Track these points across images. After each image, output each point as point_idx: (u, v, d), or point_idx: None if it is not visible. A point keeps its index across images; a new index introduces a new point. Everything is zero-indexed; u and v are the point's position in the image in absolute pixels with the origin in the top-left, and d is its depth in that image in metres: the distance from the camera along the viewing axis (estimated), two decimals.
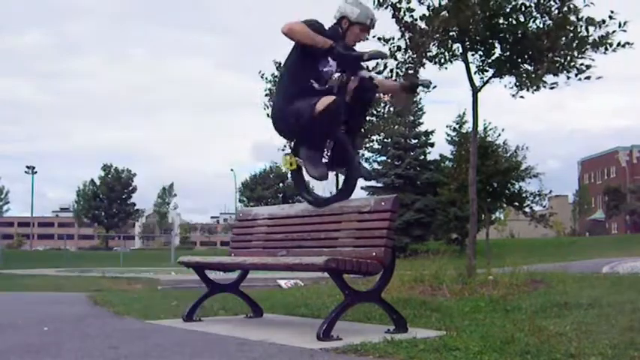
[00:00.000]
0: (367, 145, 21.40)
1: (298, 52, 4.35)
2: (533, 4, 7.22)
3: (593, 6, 7.08)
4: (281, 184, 65.14)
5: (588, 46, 7.19)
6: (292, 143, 4.93)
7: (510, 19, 7.26)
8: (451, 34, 7.40)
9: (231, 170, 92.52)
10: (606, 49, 7.14)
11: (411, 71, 7.61)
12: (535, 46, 7.27)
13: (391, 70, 7.79)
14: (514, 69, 7.53)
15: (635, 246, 32.57)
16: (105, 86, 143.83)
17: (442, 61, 7.71)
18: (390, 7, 7.43)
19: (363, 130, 4.82)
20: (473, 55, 7.70)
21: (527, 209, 27.50)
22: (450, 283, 6.45)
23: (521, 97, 7.74)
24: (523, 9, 7.21)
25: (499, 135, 26.27)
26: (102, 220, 75.95)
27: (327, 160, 4.47)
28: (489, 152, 24.71)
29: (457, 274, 6.94)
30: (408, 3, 7.44)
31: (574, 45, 7.22)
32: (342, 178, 4.91)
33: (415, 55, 7.55)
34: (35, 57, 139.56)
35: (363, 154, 21.10)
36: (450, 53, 7.70)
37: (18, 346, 3.63)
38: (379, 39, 7.56)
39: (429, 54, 7.68)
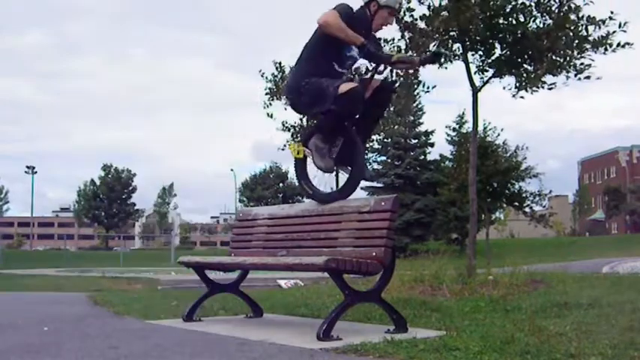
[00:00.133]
0: (367, 145, 21.38)
1: (324, 35, 4.32)
2: (533, 4, 7.23)
3: (593, 5, 7.09)
4: (281, 184, 65.13)
5: (588, 46, 7.19)
6: (300, 136, 4.95)
7: (510, 19, 7.26)
8: (451, 34, 7.40)
9: (231, 170, 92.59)
10: (606, 49, 7.14)
11: (411, 71, 7.61)
12: (535, 46, 7.27)
13: (391, 70, 7.79)
14: (514, 69, 7.53)
15: (635, 246, 32.57)
16: (105, 86, 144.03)
17: (442, 61, 7.72)
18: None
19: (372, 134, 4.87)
20: (473, 55, 7.71)
21: (527, 209, 27.52)
22: (450, 283, 6.45)
23: (521, 97, 7.75)
24: (523, 8, 7.21)
25: (499, 135, 26.31)
26: (102, 220, 75.96)
27: (334, 156, 4.50)
28: (489, 152, 24.72)
29: (457, 274, 6.94)
30: (408, 3, 7.45)
31: (574, 44, 7.22)
32: (341, 176, 4.93)
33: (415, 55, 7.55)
34: (35, 57, 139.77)
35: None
36: (450, 53, 7.70)
37: (18, 346, 3.63)
38: (379, 39, 7.55)
39: (429, 54, 7.68)
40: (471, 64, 7.65)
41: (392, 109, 18.81)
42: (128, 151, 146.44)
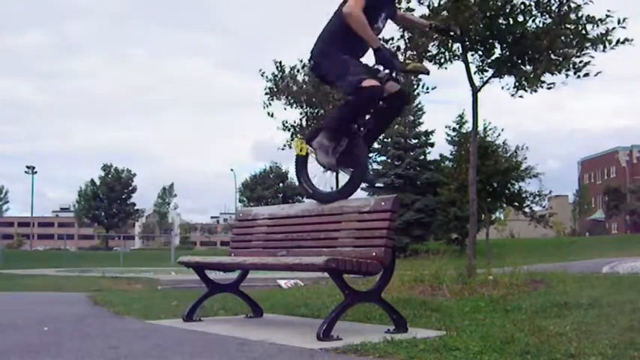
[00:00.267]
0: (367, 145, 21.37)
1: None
2: (533, 3, 7.23)
3: (592, 4, 7.08)
4: (281, 184, 65.15)
5: (588, 44, 7.19)
6: (304, 135, 4.93)
7: (510, 19, 7.26)
8: (451, 34, 7.39)
9: (231, 170, 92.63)
10: (605, 46, 7.14)
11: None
12: (534, 46, 7.27)
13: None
14: (514, 69, 7.53)
15: (635, 246, 32.58)
16: (105, 86, 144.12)
17: (442, 61, 7.72)
18: None
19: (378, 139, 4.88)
20: (473, 55, 7.70)
21: (527, 209, 27.53)
22: (450, 283, 6.45)
23: (520, 96, 7.75)
24: (523, 8, 7.21)
25: (499, 135, 26.31)
26: (102, 220, 75.99)
27: (337, 156, 4.50)
28: (489, 152, 24.72)
29: (457, 274, 6.94)
30: (407, 3, 7.45)
31: (573, 43, 7.22)
32: (341, 177, 4.93)
33: (415, 55, 7.55)
34: (35, 57, 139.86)
35: None
36: (450, 53, 7.71)
37: (18, 346, 3.63)
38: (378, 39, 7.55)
39: (428, 54, 7.68)
40: (470, 64, 7.65)
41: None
42: (128, 151, 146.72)
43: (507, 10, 7.21)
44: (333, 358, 3.21)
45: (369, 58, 4.47)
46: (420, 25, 5.51)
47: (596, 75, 7.35)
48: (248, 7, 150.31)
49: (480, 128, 24.45)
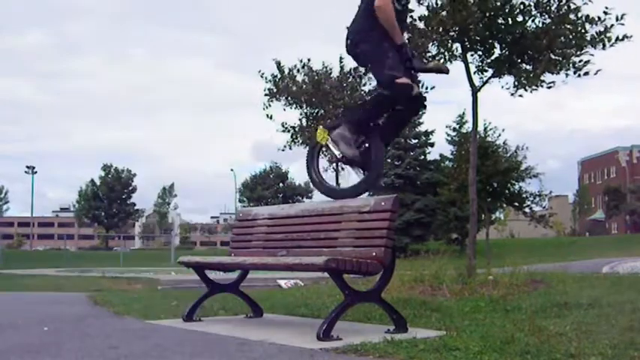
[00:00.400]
0: None
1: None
2: (532, 3, 7.23)
3: (591, 4, 7.08)
4: (281, 184, 65.18)
5: (587, 43, 7.19)
6: (327, 123, 4.86)
7: (509, 19, 7.26)
8: (451, 34, 7.40)
9: (231, 170, 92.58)
10: (604, 44, 7.14)
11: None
12: (534, 46, 7.27)
13: None
14: (513, 69, 7.54)
15: (635, 246, 32.57)
16: (105, 86, 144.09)
17: (442, 61, 7.72)
18: None
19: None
20: (472, 55, 7.70)
21: (527, 209, 27.52)
22: (450, 283, 6.45)
23: (520, 95, 7.75)
24: (522, 8, 7.22)
25: (499, 135, 26.30)
26: (102, 220, 75.99)
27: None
28: (489, 152, 24.71)
29: (457, 274, 6.94)
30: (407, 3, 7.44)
31: (573, 43, 7.22)
32: (341, 179, 4.93)
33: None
34: (35, 57, 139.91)
35: None
36: (450, 53, 7.71)
37: (18, 346, 3.63)
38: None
39: (428, 54, 7.68)
40: (470, 64, 7.66)
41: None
42: (128, 151, 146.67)
43: (507, 10, 7.22)
44: (333, 358, 3.21)
45: None
46: None
47: (595, 73, 7.36)
48: (248, 7, 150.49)
49: (481, 128, 24.47)
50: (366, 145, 4.48)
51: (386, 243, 3.92)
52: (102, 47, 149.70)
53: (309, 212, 4.66)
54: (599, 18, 7.06)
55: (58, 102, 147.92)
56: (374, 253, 3.90)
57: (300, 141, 18.69)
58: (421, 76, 8.55)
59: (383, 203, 4.07)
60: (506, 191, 26.50)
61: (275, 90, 18.33)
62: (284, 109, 18.70)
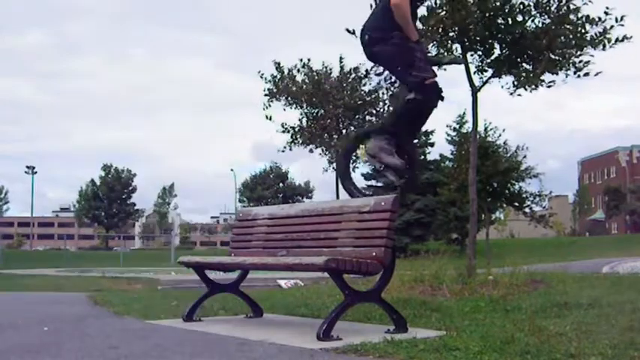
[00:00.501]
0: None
1: None
2: (532, 4, 7.23)
3: (591, 4, 7.08)
4: (281, 184, 65.19)
5: (587, 44, 7.19)
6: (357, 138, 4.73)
7: (509, 19, 7.26)
8: (451, 34, 7.40)
9: (231, 170, 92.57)
10: (604, 45, 7.14)
11: None
12: (534, 46, 7.27)
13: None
14: (513, 68, 7.54)
15: (635, 246, 32.56)
16: (105, 86, 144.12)
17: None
18: None
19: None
20: (472, 55, 7.70)
21: (527, 209, 27.50)
22: (450, 283, 6.45)
23: (519, 95, 7.75)
24: (522, 8, 7.22)
25: (499, 135, 26.28)
26: (102, 220, 76.00)
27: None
28: (489, 152, 24.70)
29: (457, 274, 6.94)
30: None
31: (573, 43, 7.22)
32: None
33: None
34: (35, 57, 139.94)
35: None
36: (450, 53, 7.70)
37: (18, 346, 3.63)
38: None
39: (428, 54, 7.67)
40: (470, 64, 7.65)
41: (392, 108, 18.83)
42: (128, 151, 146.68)
43: (506, 10, 7.22)
44: (333, 358, 3.21)
45: None
46: None
47: (596, 75, 7.36)
48: (248, 7, 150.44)
49: (481, 128, 24.45)
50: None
51: (386, 243, 3.92)
52: (102, 47, 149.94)
53: (309, 212, 4.67)
54: (599, 18, 7.06)
55: (58, 102, 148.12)
56: (374, 253, 3.91)
57: (300, 141, 18.68)
58: None
59: (383, 203, 4.07)
60: (506, 191, 26.47)
61: (275, 90, 18.32)
62: (284, 109, 18.70)
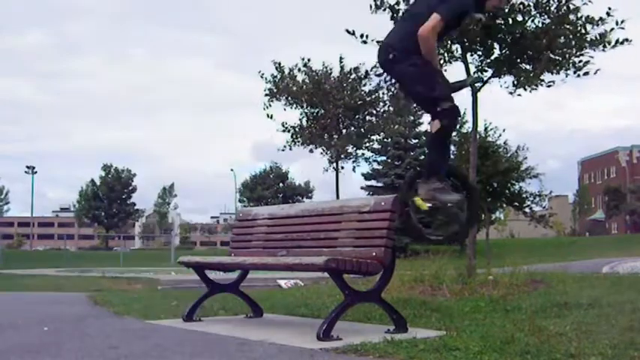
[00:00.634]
0: (367, 145, 21.43)
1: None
2: (531, 4, 7.23)
3: (591, 4, 7.08)
4: (281, 184, 65.19)
5: (587, 44, 7.19)
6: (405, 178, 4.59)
7: (509, 19, 7.26)
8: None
9: (231, 170, 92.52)
10: (604, 47, 7.14)
11: None
12: (534, 46, 7.27)
13: None
14: (513, 69, 7.53)
15: (635, 246, 32.56)
16: (105, 86, 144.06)
17: (441, 62, 7.71)
18: (387, 9, 7.45)
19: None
20: (472, 55, 7.70)
21: (527, 209, 27.49)
22: (450, 283, 6.45)
23: (519, 95, 7.75)
24: (522, 8, 7.21)
25: (500, 135, 26.26)
26: (102, 220, 76.00)
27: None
28: (489, 152, 24.68)
29: (457, 274, 6.94)
30: (406, 5, 7.45)
31: (573, 43, 7.22)
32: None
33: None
34: (35, 57, 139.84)
35: (362, 154, 21.09)
36: (449, 54, 7.70)
37: (18, 346, 3.63)
38: (378, 42, 7.56)
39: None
40: (470, 65, 7.65)
41: (392, 109, 18.81)
42: (128, 151, 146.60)
43: (506, 10, 7.21)
44: (333, 358, 3.21)
45: None
46: None
47: (595, 73, 7.35)
48: (248, 7, 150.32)
49: (481, 128, 24.45)
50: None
51: (386, 243, 3.92)
52: (102, 47, 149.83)
53: (309, 212, 4.67)
54: (600, 18, 7.06)
55: (58, 102, 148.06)
56: (374, 253, 3.91)
57: (300, 141, 18.68)
58: None
59: (383, 203, 4.07)
60: (507, 191, 26.44)
61: (275, 90, 18.31)
62: (284, 109, 18.68)
